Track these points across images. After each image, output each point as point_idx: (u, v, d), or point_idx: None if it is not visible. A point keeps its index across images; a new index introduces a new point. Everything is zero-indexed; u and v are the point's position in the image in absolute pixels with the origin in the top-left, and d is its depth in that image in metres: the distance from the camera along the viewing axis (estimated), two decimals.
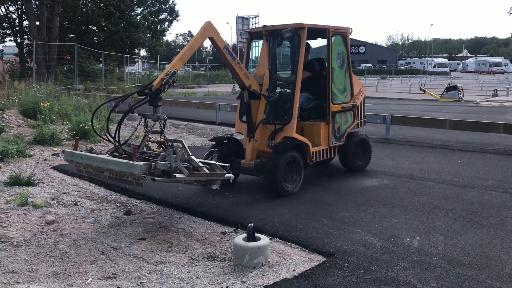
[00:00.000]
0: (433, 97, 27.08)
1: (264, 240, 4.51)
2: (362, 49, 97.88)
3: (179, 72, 5.85)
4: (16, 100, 13.75)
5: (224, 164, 5.70)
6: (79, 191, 7.22)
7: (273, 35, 7.24)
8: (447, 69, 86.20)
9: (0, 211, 6.01)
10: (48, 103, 13.07)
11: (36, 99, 13.83)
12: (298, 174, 6.88)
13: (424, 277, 4.19)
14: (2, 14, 34.38)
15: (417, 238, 5.14)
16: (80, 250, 4.82)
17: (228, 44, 6.62)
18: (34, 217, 5.85)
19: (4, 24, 35.04)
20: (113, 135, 5.67)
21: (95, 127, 6.36)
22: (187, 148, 5.78)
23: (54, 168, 8.80)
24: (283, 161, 6.53)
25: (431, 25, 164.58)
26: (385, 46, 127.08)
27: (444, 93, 26.80)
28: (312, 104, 7.70)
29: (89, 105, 14.53)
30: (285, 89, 7.64)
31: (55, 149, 10.41)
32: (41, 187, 7.31)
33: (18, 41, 34.72)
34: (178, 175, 5.06)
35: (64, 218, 5.87)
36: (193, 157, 5.50)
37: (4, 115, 12.98)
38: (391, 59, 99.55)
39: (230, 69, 6.69)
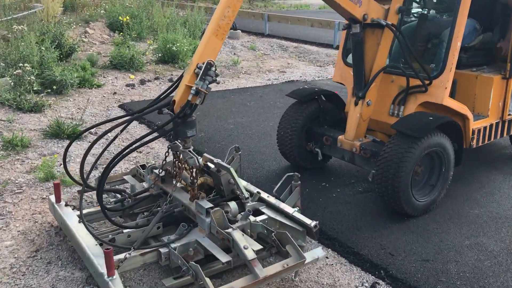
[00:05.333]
0: None
1: None
2: None
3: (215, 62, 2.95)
4: (102, 11, 11.83)
5: (308, 223, 2.95)
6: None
7: None
8: None
9: (14, 187, 4.04)
10: (127, 17, 10.88)
11: (125, 10, 11.79)
12: (442, 176, 3.77)
13: None
14: None
15: None
16: None
17: None
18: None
19: None
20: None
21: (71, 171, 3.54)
22: (239, 183, 3.10)
23: (122, 106, 6.74)
24: (416, 153, 3.49)
25: None
26: None
27: None
28: (479, 39, 4.38)
29: (183, 20, 12.25)
30: (428, 10, 4.33)
31: (132, 76, 8.36)
32: (89, 142, 5.24)
33: None
34: None
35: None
36: (234, 235, 2.72)
37: (87, 29, 11.19)
38: None
39: (326, 2, 3.62)
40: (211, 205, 2.98)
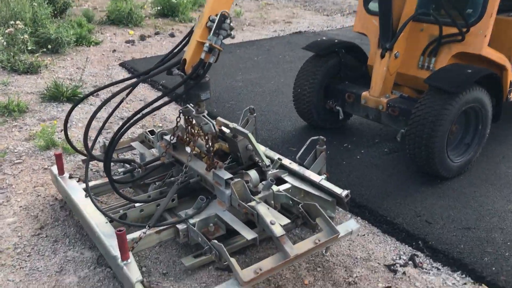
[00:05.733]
0: None
1: None
2: None
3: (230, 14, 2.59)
4: None
5: (339, 192, 2.68)
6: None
7: None
8: None
9: (13, 156, 3.75)
10: None
11: None
12: (478, 134, 3.47)
13: None
14: None
15: None
16: None
17: None
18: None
19: None
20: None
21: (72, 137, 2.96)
22: (258, 149, 2.83)
23: (123, 65, 6.34)
24: (454, 110, 3.15)
25: None
26: None
27: None
28: None
29: None
30: None
31: (131, 32, 7.90)
32: (91, 105, 4.89)
33: None
34: None
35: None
36: (259, 209, 2.43)
37: None
38: None
39: None
40: (230, 175, 2.69)
